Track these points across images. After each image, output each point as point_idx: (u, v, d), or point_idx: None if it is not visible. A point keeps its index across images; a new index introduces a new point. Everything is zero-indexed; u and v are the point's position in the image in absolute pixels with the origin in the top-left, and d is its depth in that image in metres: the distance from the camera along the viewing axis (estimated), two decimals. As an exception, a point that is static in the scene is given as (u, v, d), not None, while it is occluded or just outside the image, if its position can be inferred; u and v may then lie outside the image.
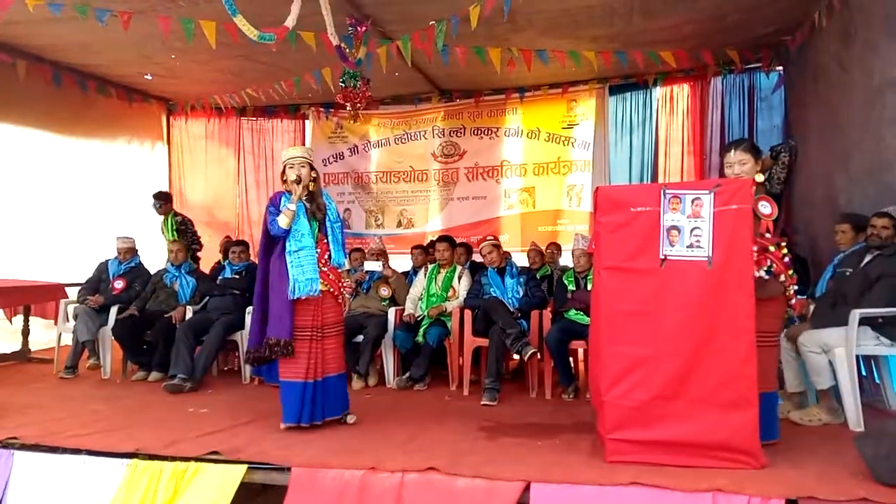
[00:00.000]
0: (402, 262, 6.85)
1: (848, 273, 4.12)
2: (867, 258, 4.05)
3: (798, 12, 5.73)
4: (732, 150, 3.33)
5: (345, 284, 4.10)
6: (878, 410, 3.97)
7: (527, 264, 6.41)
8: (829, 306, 4.08)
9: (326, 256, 3.88)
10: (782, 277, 3.21)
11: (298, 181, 3.77)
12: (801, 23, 5.89)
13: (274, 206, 3.85)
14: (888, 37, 4.34)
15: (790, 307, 3.35)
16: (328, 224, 3.89)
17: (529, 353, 4.63)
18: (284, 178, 3.86)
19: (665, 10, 5.69)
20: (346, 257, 4.08)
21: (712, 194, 3.01)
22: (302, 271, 3.74)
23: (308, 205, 3.86)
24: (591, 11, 5.72)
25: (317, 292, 3.76)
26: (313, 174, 3.89)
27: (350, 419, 3.97)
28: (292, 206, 3.75)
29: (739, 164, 3.29)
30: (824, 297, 4.27)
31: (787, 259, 3.25)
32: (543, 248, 6.78)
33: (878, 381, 4.23)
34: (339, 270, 4.01)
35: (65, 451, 3.40)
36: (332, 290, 3.88)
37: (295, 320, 3.76)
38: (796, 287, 3.33)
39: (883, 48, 4.42)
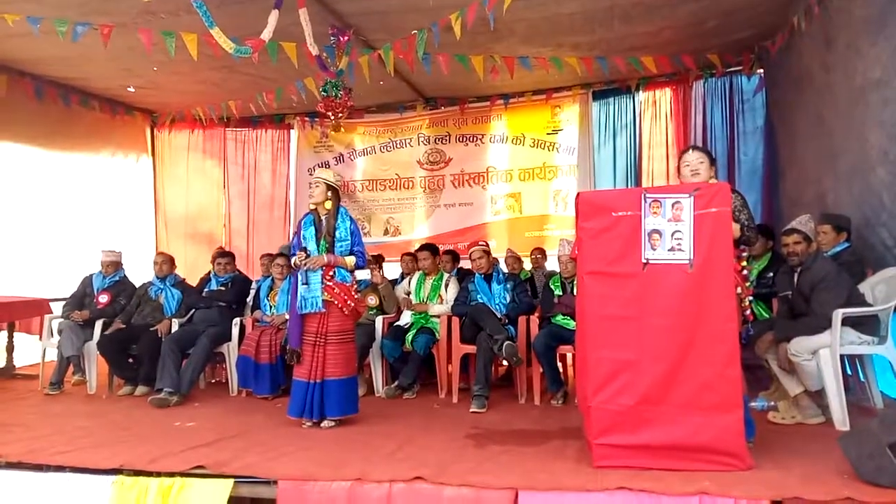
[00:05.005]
0: (389, 270, 6.84)
1: (789, 295, 4.17)
2: (796, 278, 4.11)
3: (777, 16, 5.80)
4: (691, 151, 3.53)
5: (355, 297, 4.37)
6: (863, 409, 4.00)
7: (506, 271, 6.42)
8: (791, 318, 4.13)
9: (332, 273, 4.21)
10: (738, 290, 3.23)
11: (304, 250, 4.20)
12: (780, 26, 5.95)
13: (297, 229, 4.37)
14: (869, 38, 4.38)
15: (745, 316, 3.39)
16: (335, 244, 4.25)
17: (505, 344, 4.65)
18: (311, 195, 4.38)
19: (645, 17, 5.74)
20: (354, 271, 4.45)
21: (692, 198, 3.04)
22: (308, 290, 4.17)
23: (323, 225, 4.28)
24: (572, 18, 5.76)
25: (320, 308, 4.14)
26: (329, 194, 4.30)
27: (325, 424, 4.14)
28: (297, 264, 4.22)
29: (698, 161, 3.42)
30: (779, 315, 4.34)
31: (744, 272, 3.33)
32: (528, 253, 6.81)
33: (863, 379, 4.26)
34: (346, 284, 4.27)
35: (49, 468, 3.36)
36: (336, 302, 4.20)
37: (304, 327, 4.21)
38: (752, 298, 3.46)
39: (865, 50, 4.46)
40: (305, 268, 4.16)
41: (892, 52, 4.12)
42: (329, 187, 4.30)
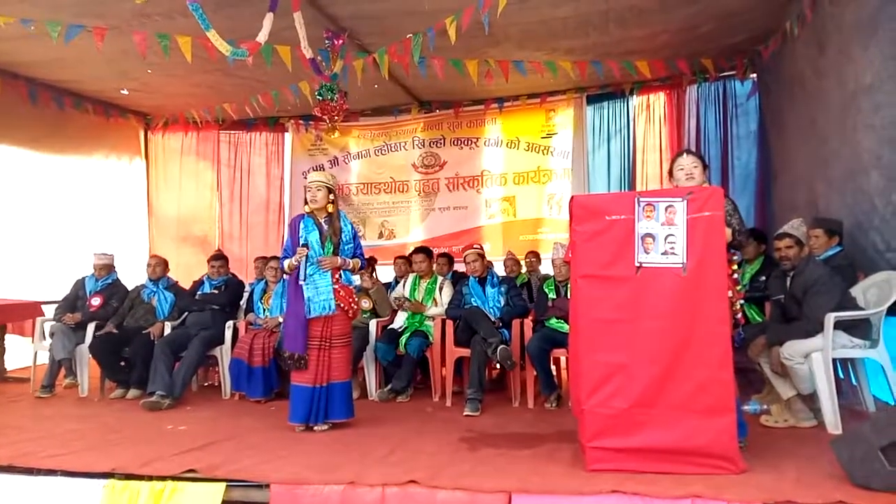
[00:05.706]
0: (384, 273, 6.85)
1: (782, 299, 4.19)
2: (788, 282, 4.12)
3: (770, 21, 5.83)
4: (685, 155, 3.52)
5: (356, 301, 4.40)
6: (855, 412, 4.01)
7: (504, 274, 6.42)
8: (783, 322, 4.14)
9: (338, 276, 4.20)
10: (729, 293, 3.24)
11: (306, 246, 4.10)
12: (773, 31, 5.98)
13: (292, 231, 4.24)
14: (861, 44, 4.41)
15: (736, 320, 3.40)
16: (342, 247, 4.22)
17: (499, 348, 4.66)
18: (307, 200, 4.24)
19: (639, 21, 5.76)
20: (360, 271, 4.50)
21: (685, 202, 3.04)
22: (317, 293, 4.09)
23: (326, 227, 4.18)
24: (566, 22, 5.78)
25: (332, 311, 4.10)
26: (331, 197, 4.23)
27: (318, 428, 4.11)
28: (295, 263, 4.11)
29: (692, 165, 3.43)
30: (771, 319, 4.36)
31: (734, 276, 3.35)
32: (523, 256, 6.81)
33: (855, 383, 4.28)
34: (350, 287, 4.32)
35: (40, 472, 3.33)
36: (342, 305, 4.18)
37: (308, 331, 4.10)
38: (742, 301, 3.49)
39: (856, 55, 4.49)
40: (324, 268, 4.10)
41: (884, 57, 4.15)
42: (329, 190, 4.26)
